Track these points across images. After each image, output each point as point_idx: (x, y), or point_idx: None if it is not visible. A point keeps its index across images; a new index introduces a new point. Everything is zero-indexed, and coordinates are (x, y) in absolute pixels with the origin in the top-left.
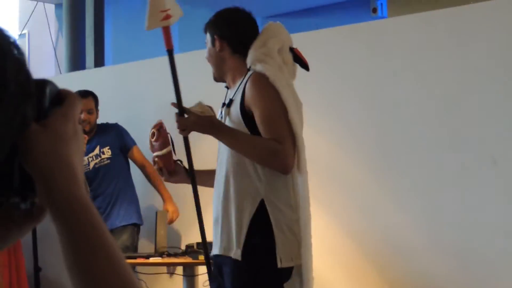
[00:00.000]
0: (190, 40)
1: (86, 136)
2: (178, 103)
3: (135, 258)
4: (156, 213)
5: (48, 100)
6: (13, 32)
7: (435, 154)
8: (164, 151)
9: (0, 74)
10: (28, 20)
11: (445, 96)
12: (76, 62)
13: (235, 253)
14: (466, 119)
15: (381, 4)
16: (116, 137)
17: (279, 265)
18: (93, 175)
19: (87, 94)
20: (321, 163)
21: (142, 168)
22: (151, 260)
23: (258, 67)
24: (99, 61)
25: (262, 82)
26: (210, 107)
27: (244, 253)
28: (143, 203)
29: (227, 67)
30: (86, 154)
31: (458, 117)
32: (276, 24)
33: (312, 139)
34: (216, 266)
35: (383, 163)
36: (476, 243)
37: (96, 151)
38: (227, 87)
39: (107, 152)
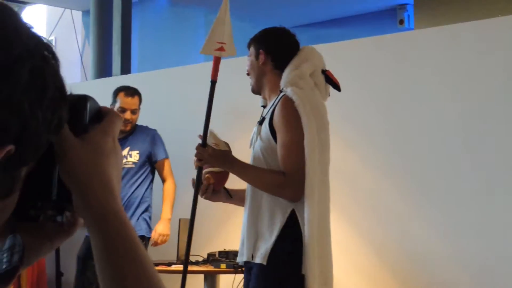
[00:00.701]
0: None
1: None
2: (204, 135)
3: (157, 265)
4: (179, 220)
5: (89, 116)
6: None
7: (455, 163)
8: (220, 169)
9: (41, 79)
10: (55, 27)
11: (471, 107)
12: (103, 69)
13: (262, 258)
14: (487, 129)
15: (408, 16)
16: (149, 144)
17: (303, 272)
18: None
19: (134, 93)
20: (342, 172)
21: (163, 181)
22: (173, 267)
23: (289, 91)
24: (126, 68)
25: (288, 107)
26: (226, 144)
27: (270, 259)
28: None
29: (266, 81)
30: None
31: (480, 128)
32: (310, 48)
33: (335, 148)
34: (246, 268)
35: (403, 172)
36: (496, 252)
37: (125, 152)
38: (263, 106)
39: (135, 157)
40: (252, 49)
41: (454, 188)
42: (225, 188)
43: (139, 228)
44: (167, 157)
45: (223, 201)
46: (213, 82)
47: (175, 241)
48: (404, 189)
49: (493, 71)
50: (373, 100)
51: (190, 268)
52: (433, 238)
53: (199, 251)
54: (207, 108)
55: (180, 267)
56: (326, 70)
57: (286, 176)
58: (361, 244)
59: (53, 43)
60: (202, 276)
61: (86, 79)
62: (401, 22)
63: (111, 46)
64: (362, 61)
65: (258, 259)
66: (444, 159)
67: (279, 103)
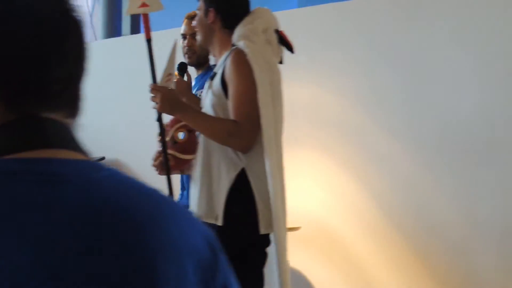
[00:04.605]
0: None
1: (189, 74)
2: (153, 80)
3: None
4: None
5: None
6: None
7: (469, 126)
8: (190, 157)
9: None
10: None
11: (480, 68)
12: (112, 29)
13: (216, 219)
14: (505, 91)
15: None
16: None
17: (261, 232)
18: None
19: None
20: (358, 135)
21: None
22: None
23: (241, 44)
24: (135, 28)
25: (240, 59)
26: (187, 75)
27: (226, 219)
28: None
29: (215, 39)
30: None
31: (497, 90)
32: (263, 8)
33: (344, 107)
34: None
35: (418, 136)
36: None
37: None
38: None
39: None
40: (201, 3)
41: (468, 152)
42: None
43: None
44: None
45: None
46: (148, 41)
47: None
48: (419, 153)
49: (506, 33)
50: (388, 62)
51: None
52: (442, 198)
53: None
54: (150, 68)
55: None
56: (280, 31)
57: (238, 124)
58: (374, 206)
59: None
60: None
61: (96, 39)
62: None
63: (121, 6)
64: (373, 19)
65: (213, 220)
66: (459, 121)
67: (231, 55)
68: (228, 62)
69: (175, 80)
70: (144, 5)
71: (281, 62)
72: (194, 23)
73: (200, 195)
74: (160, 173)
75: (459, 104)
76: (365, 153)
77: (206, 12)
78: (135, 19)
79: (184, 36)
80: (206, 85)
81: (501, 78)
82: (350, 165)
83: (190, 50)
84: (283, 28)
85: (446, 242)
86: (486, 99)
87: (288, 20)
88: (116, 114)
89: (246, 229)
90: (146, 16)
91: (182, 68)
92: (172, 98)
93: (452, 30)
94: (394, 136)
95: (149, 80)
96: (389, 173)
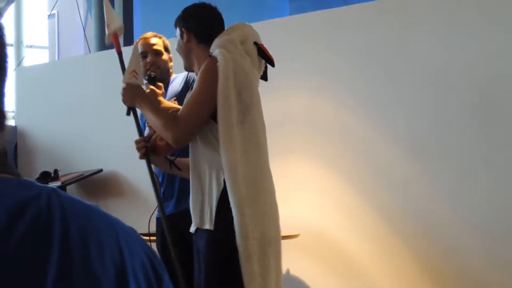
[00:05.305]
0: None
1: (160, 84)
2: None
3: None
4: None
5: None
6: (43, 12)
7: (463, 125)
8: None
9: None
10: (57, 0)
11: (474, 69)
12: (105, 42)
13: (209, 224)
14: (496, 89)
15: None
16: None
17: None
18: None
19: (154, 35)
20: (349, 136)
21: None
22: None
23: (216, 52)
24: (128, 40)
25: (207, 65)
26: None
27: (216, 223)
28: None
29: (194, 56)
30: None
31: (489, 88)
32: (242, 23)
33: (340, 114)
34: (194, 245)
35: (409, 135)
36: (506, 215)
37: None
38: None
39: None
40: (177, 29)
41: (461, 150)
42: (167, 158)
43: None
44: None
45: (166, 170)
46: (119, 53)
47: None
48: (410, 152)
49: (497, 33)
50: (377, 64)
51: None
52: (439, 201)
53: None
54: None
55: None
56: (259, 44)
57: (174, 119)
58: (366, 207)
59: (56, 17)
60: None
61: (90, 52)
62: None
63: None
64: (365, 26)
65: (206, 225)
66: (451, 120)
67: (204, 63)
68: (200, 69)
69: (147, 91)
70: (108, 27)
71: (265, 79)
72: (176, 49)
73: (193, 201)
74: (141, 157)
75: (453, 107)
76: (362, 159)
77: (182, 35)
78: (127, 31)
79: (144, 54)
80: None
81: (497, 79)
82: (347, 171)
83: (154, 65)
84: (275, 36)
85: (446, 246)
86: (482, 102)
87: (280, 28)
88: (111, 126)
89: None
90: (115, 35)
91: (152, 79)
92: (131, 89)
93: (444, 34)
94: (390, 141)
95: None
96: (385, 177)
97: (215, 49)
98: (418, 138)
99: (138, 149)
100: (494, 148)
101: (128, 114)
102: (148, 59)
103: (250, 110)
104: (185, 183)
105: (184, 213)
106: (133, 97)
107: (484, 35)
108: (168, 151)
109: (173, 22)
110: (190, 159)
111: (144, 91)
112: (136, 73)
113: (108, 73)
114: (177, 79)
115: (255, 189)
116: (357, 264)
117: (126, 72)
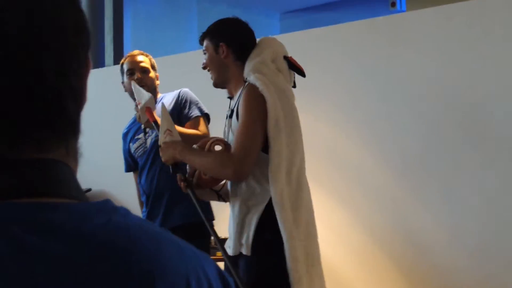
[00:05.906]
0: None
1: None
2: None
3: None
4: None
5: None
6: None
7: (453, 144)
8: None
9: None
10: None
11: (463, 89)
12: (96, 60)
13: (246, 249)
14: (484, 109)
15: None
16: (175, 104)
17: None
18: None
19: (141, 53)
20: (337, 154)
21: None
22: None
23: (252, 78)
24: (119, 58)
25: (250, 93)
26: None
27: (254, 248)
28: None
29: (230, 74)
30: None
31: (478, 107)
32: (269, 38)
33: (330, 132)
34: (234, 263)
35: (399, 153)
36: (495, 233)
37: None
38: (230, 98)
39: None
40: (207, 42)
41: (450, 169)
42: (213, 190)
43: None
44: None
45: (212, 199)
46: (155, 123)
47: None
48: (400, 170)
49: (487, 52)
50: (367, 83)
51: None
52: (429, 219)
53: None
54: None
55: None
56: (289, 57)
57: (229, 155)
58: (355, 225)
59: None
60: None
61: None
62: (393, 4)
63: (104, 36)
64: (355, 44)
65: (243, 251)
66: (441, 139)
67: (244, 91)
68: (242, 98)
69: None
70: (138, 103)
71: (294, 86)
72: (204, 62)
73: (233, 229)
74: (184, 191)
75: (444, 126)
76: (352, 177)
77: (217, 49)
78: (118, 49)
79: (131, 72)
80: (226, 122)
81: (486, 97)
82: (337, 189)
83: (141, 82)
84: None
85: (435, 265)
86: (473, 121)
87: None
88: (101, 144)
89: (274, 258)
90: (149, 109)
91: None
92: (168, 147)
93: (435, 52)
94: (381, 160)
95: (128, 110)
96: (376, 196)
97: (250, 75)
98: (409, 159)
99: (183, 188)
100: (484, 167)
101: (173, 173)
102: (135, 77)
103: (293, 131)
104: (173, 201)
105: (171, 231)
106: (172, 154)
107: (476, 52)
108: (213, 184)
109: (163, 39)
110: (230, 188)
111: (180, 142)
112: (170, 130)
113: (97, 92)
114: (166, 98)
115: (298, 210)
116: (345, 283)
117: (160, 133)
